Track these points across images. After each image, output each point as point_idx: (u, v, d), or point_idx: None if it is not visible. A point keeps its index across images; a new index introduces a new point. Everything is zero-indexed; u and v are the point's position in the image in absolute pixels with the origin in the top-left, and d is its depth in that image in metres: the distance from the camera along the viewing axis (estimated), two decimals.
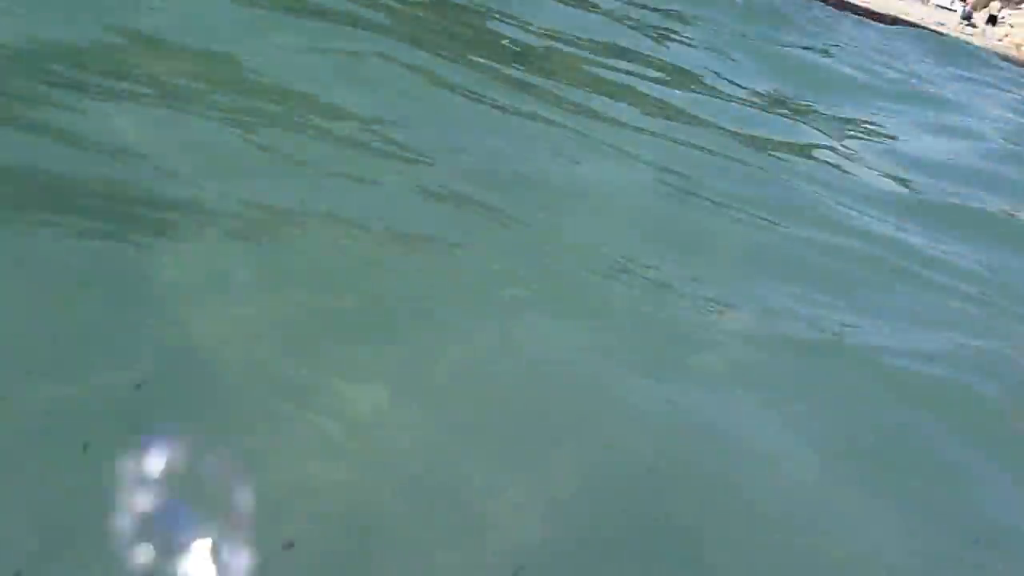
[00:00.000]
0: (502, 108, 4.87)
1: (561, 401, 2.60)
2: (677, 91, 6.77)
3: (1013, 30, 33.26)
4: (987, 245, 5.32)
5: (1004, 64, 24.29)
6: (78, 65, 3.45)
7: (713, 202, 4.64)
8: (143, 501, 1.74)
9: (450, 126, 4.35)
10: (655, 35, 8.32)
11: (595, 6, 8.58)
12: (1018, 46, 30.76)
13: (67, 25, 3.74)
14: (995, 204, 6.40)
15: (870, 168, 6.50)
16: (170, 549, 1.65)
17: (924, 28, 26.49)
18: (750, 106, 7.21)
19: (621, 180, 4.47)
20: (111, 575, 1.66)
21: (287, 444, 2.08)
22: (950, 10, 35.91)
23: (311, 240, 2.95)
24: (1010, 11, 38.69)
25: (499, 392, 2.55)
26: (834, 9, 25.90)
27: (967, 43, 27.02)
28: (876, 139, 7.74)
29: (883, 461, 2.91)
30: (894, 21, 26.48)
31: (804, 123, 7.30)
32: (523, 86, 5.48)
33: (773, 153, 6.07)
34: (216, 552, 1.67)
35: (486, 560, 2.00)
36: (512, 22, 6.93)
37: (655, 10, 9.34)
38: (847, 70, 10.37)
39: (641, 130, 5.44)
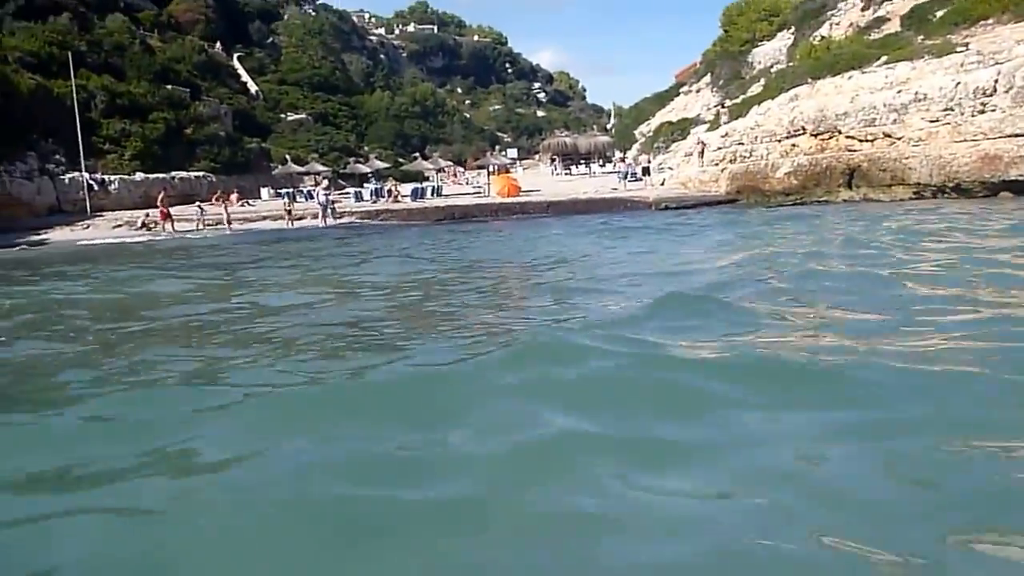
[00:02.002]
0: None
1: None
2: None
3: (674, 172, 38.22)
4: None
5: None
6: None
7: None
8: None
9: None
10: None
11: None
12: (683, 184, 35.58)
13: None
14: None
15: None
16: None
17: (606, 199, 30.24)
18: None
19: None
20: None
21: None
22: (615, 173, 41.03)
23: None
24: (663, 156, 44.73)
25: None
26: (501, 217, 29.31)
27: (636, 200, 30.84)
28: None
29: None
30: (586, 207, 30.34)
31: None
32: None
33: None
34: None
35: None
36: None
37: None
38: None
39: None
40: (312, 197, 39.35)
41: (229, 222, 33.78)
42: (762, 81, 44.92)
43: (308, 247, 21.05)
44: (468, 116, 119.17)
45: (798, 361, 5.79)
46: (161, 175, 43.37)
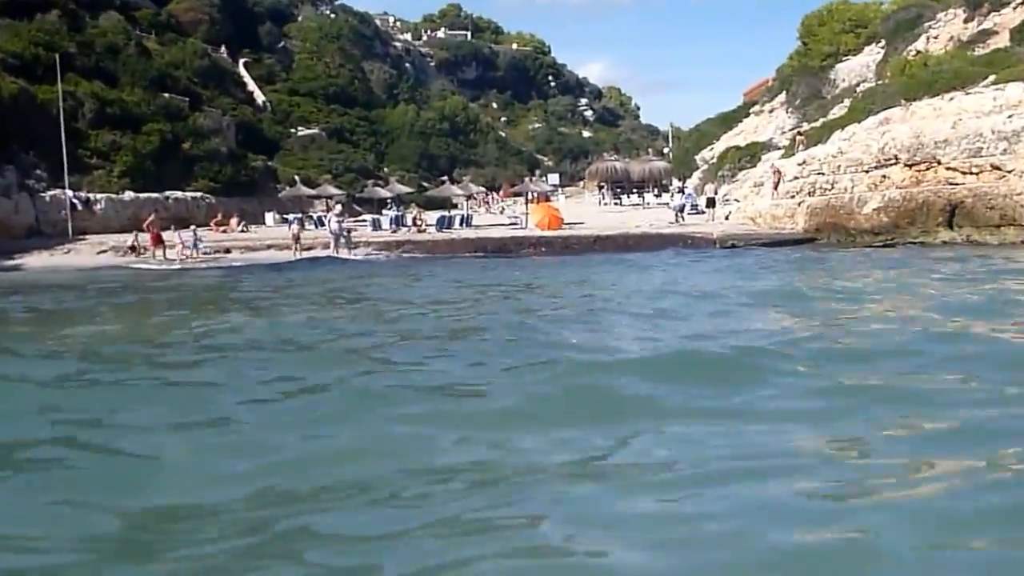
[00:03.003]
0: None
1: None
2: None
3: (742, 204, 37.93)
4: None
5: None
6: None
7: None
8: None
9: None
10: None
11: None
12: (752, 218, 35.29)
13: None
14: None
15: None
16: None
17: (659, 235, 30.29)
18: None
19: None
20: None
21: None
22: (672, 204, 40.73)
23: None
24: (728, 185, 44.62)
25: None
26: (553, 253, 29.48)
27: (697, 236, 30.65)
28: None
29: None
30: (639, 243, 30.39)
31: None
32: None
33: None
34: None
35: None
36: None
37: None
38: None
39: None
40: (323, 224, 39.58)
41: (228, 250, 33.97)
42: (846, 102, 44.71)
43: (317, 292, 20.75)
44: (504, 135, 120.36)
45: None
46: (153, 195, 44.15)
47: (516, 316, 14.62)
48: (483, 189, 71.15)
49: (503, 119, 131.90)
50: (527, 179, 59.36)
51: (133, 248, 33.98)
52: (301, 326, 13.98)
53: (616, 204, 55.57)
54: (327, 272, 26.30)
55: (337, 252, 32.79)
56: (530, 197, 46.87)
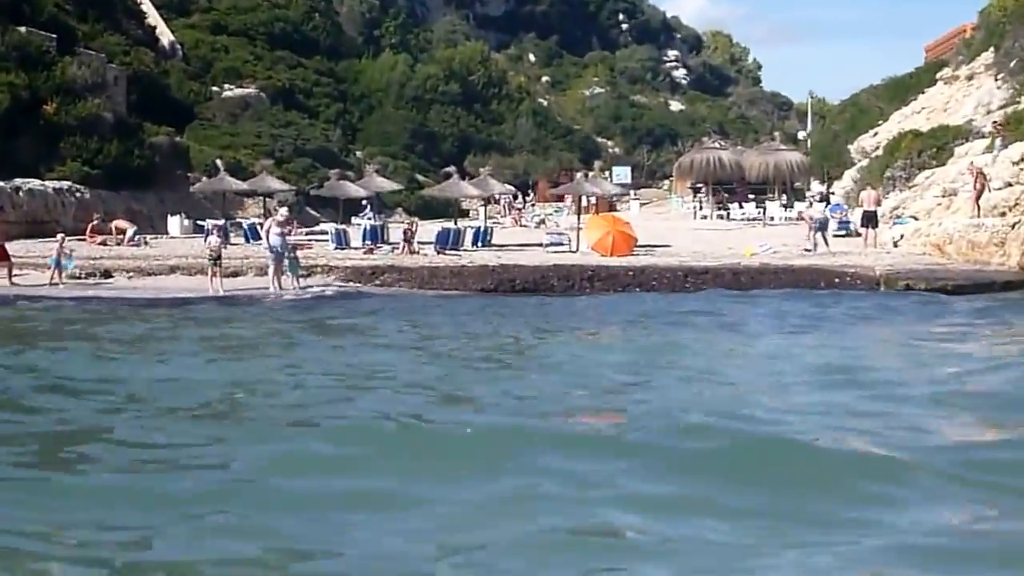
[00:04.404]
0: None
1: None
2: None
3: (920, 224, 37.42)
4: None
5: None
6: None
7: None
8: None
9: None
10: None
11: None
12: (938, 246, 34.63)
13: None
14: None
15: None
16: None
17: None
18: None
19: None
20: None
21: None
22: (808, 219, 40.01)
23: None
24: (899, 191, 43.99)
25: None
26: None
27: (848, 272, 30.14)
28: None
29: None
30: (756, 280, 30.03)
31: None
32: None
33: None
34: None
35: None
36: None
37: None
38: None
39: None
40: (258, 237, 38.99)
41: (109, 274, 33.88)
42: None
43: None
44: (546, 104, 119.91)
45: None
46: None
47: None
48: (511, 189, 70.13)
49: (544, 79, 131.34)
50: (580, 175, 58.44)
51: None
52: None
53: (721, 217, 54.77)
54: (239, 324, 25.76)
55: (277, 283, 32.23)
56: (585, 203, 46.00)
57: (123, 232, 42.98)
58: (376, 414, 14.31)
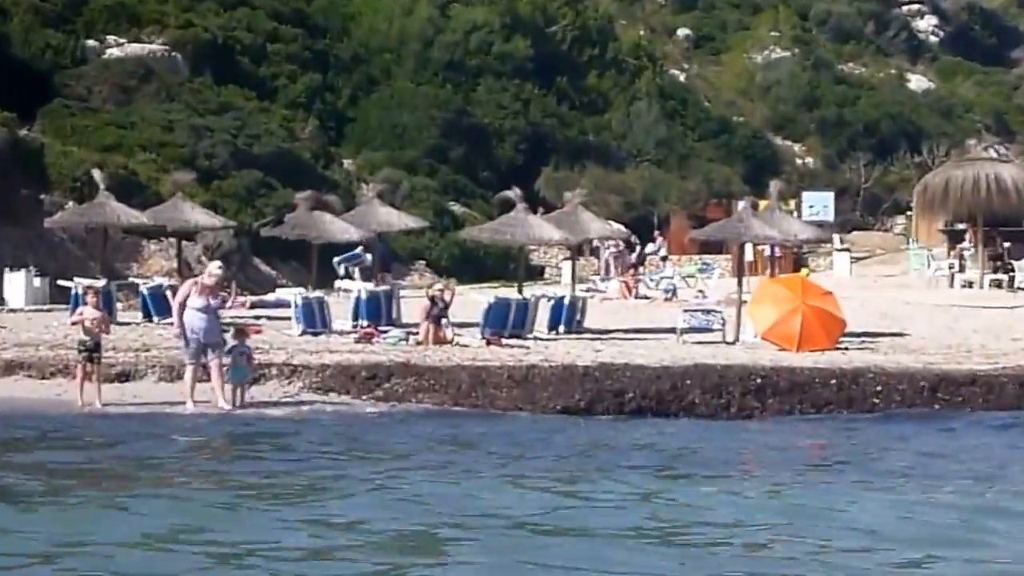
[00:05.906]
0: None
1: None
2: None
3: None
4: None
5: None
6: None
7: None
8: None
9: None
10: None
11: None
12: None
13: None
14: None
15: None
16: None
17: None
18: None
19: None
20: None
21: None
22: None
23: None
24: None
25: None
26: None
27: None
28: None
29: None
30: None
31: None
32: None
33: None
34: None
35: None
36: None
37: None
38: None
39: None
40: (165, 307, 30.95)
41: None
42: None
43: None
44: (684, 78, 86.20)
45: None
46: None
47: None
48: (620, 230, 51.02)
49: (683, 34, 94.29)
50: (743, 206, 42.63)
51: None
52: None
53: (999, 284, 44.38)
54: (128, 490, 16.98)
55: (191, 401, 24.26)
56: (751, 257, 39.49)
57: None
58: None
